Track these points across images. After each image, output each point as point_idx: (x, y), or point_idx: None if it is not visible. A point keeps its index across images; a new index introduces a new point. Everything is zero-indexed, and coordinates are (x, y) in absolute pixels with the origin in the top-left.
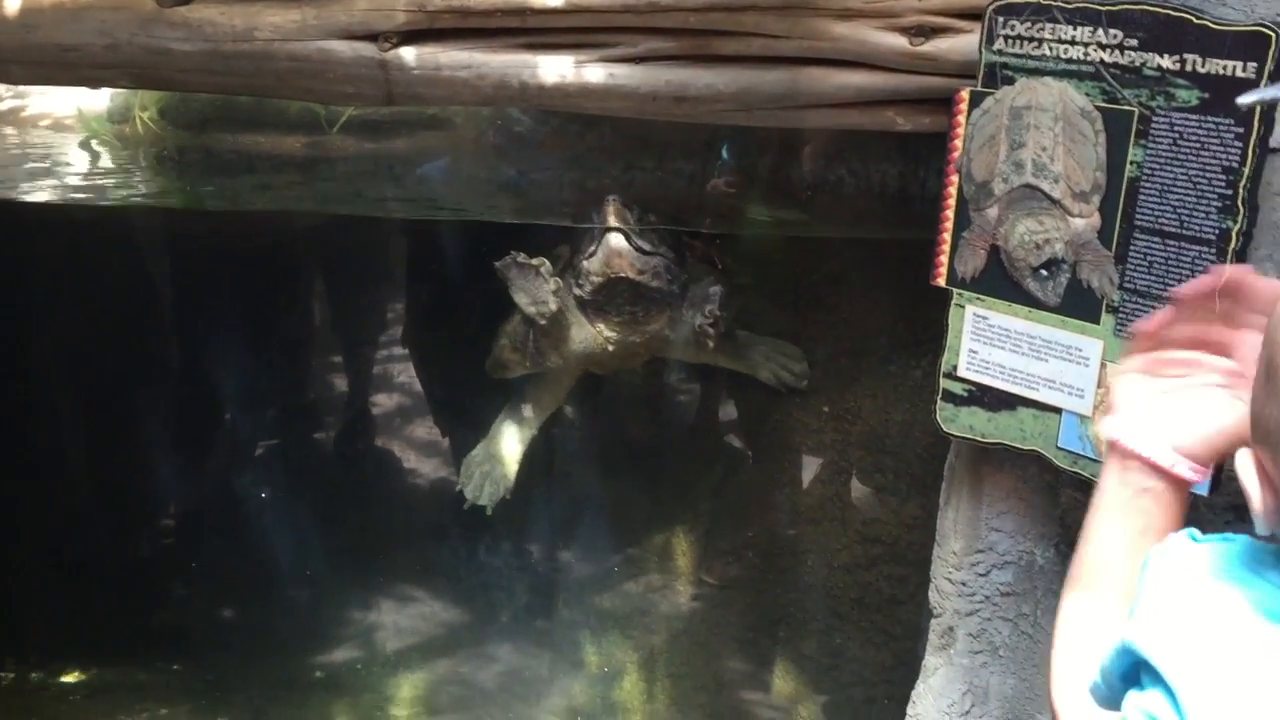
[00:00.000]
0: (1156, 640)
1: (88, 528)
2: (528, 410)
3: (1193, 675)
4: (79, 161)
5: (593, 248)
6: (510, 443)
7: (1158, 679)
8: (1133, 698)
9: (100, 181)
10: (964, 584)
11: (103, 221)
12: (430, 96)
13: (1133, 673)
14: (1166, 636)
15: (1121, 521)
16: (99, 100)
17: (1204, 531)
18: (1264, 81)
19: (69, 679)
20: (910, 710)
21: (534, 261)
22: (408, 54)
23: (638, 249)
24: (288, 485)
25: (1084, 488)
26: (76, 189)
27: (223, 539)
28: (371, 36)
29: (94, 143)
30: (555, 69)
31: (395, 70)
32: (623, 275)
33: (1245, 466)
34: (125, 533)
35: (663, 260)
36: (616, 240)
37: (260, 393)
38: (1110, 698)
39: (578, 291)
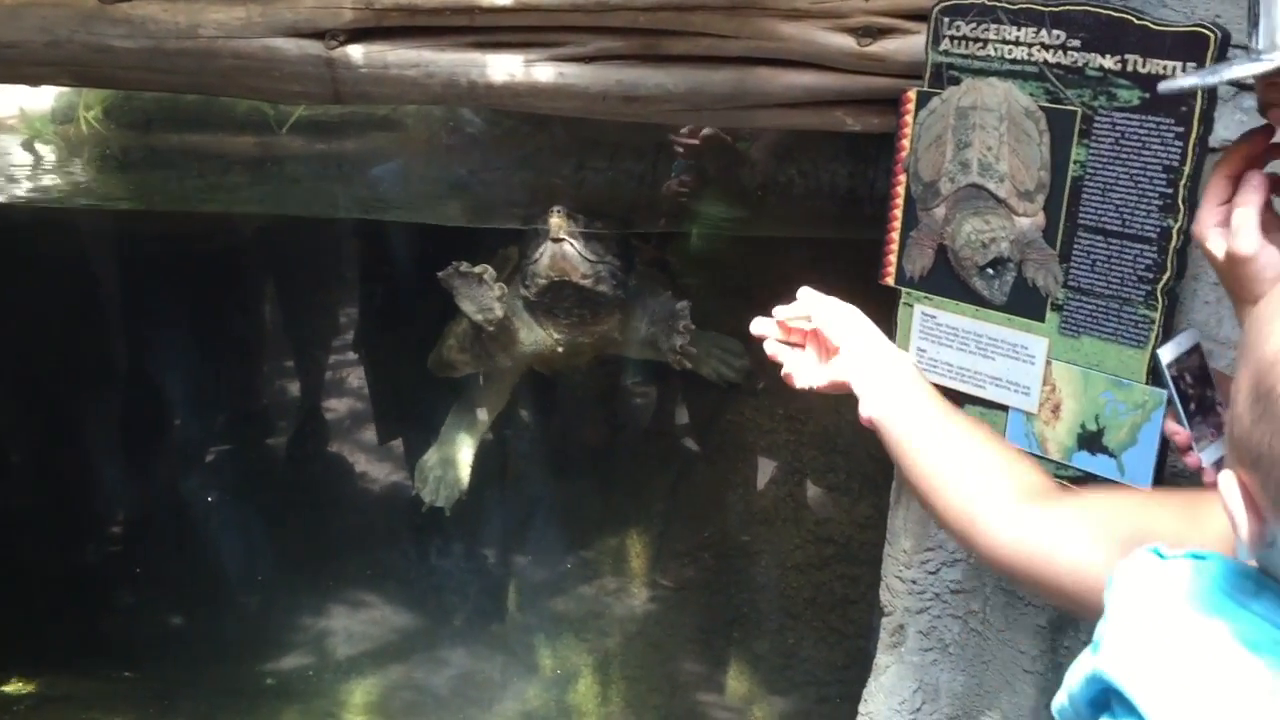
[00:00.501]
0: (1129, 670)
1: (32, 534)
2: (477, 411)
3: (1171, 710)
4: (22, 162)
5: (539, 253)
6: (462, 444)
7: (1132, 710)
8: None
9: (44, 182)
10: (914, 582)
11: (48, 223)
12: (378, 95)
13: (1102, 699)
14: (1140, 667)
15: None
16: (43, 100)
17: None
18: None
19: (12, 689)
20: (862, 708)
21: (477, 270)
22: (355, 52)
23: (582, 255)
24: (237, 489)
25: None
26: (20, 190)
27: (171, 544)
28: (318, 34)
29: (37, 143)
30: (504, 68)
31: (342, 68)
32: (568, 279)
33: (1230, 491)
34: (71, 539)
35: (608, 266)
36: (561, 246)
37: (209, 396)
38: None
39: (525, 294)
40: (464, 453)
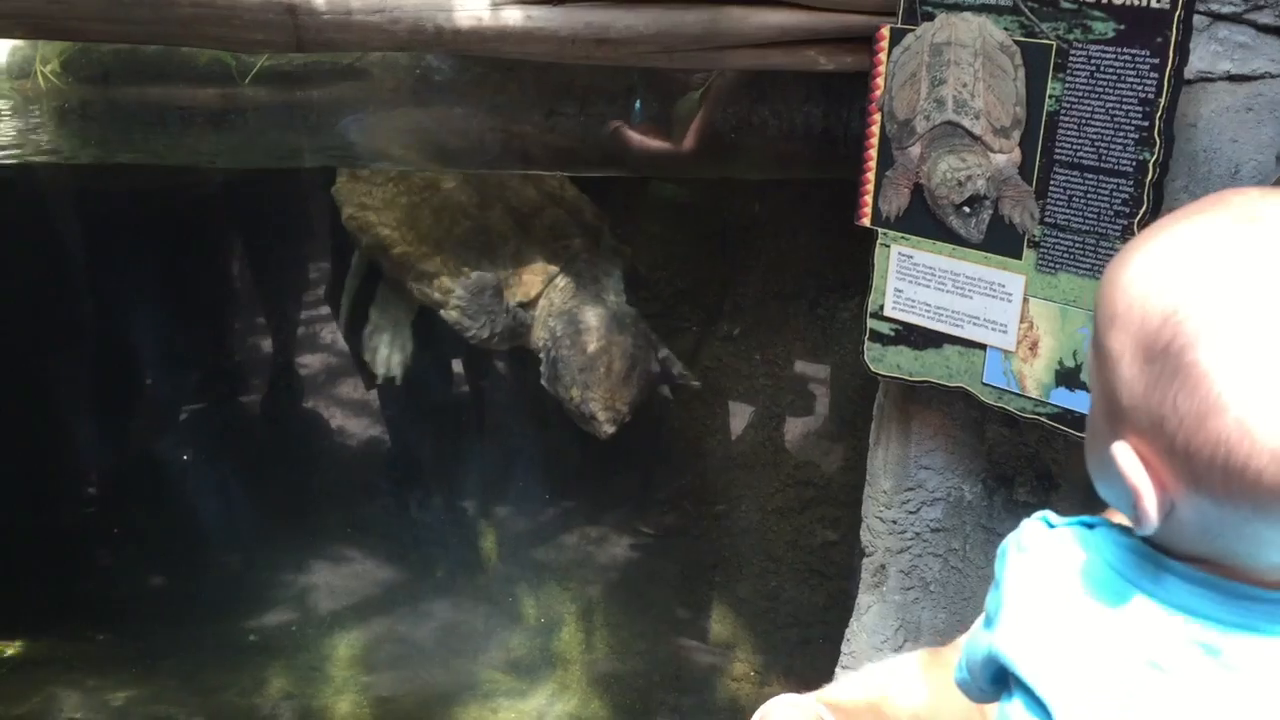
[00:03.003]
0: (1026, 655)
1: (7, 496)
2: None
3: (1072, 701)
4: None
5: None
6: (399, 314)
7: (1027, 691)
8: (1004, 708)
9: (2, 139)
10: (895, 522)
11: (8, 181)
12: (342, 42)
13: (1001, 676)
14: (1038, 653)
15: None
16: None
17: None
18: (1178, 14)
19: None
20: (845, 648)
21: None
22: None
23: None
24: (213, 448)
25: (1009, 423)
26: None
27: (148, 504)
28: None
29: None
30: (471, 12)
31: (305, 15)
32: None
33: (1129, 462)
34: (46, 501)
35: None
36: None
37: (180, 354)
38: (981, 696)
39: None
40: (403, 322)
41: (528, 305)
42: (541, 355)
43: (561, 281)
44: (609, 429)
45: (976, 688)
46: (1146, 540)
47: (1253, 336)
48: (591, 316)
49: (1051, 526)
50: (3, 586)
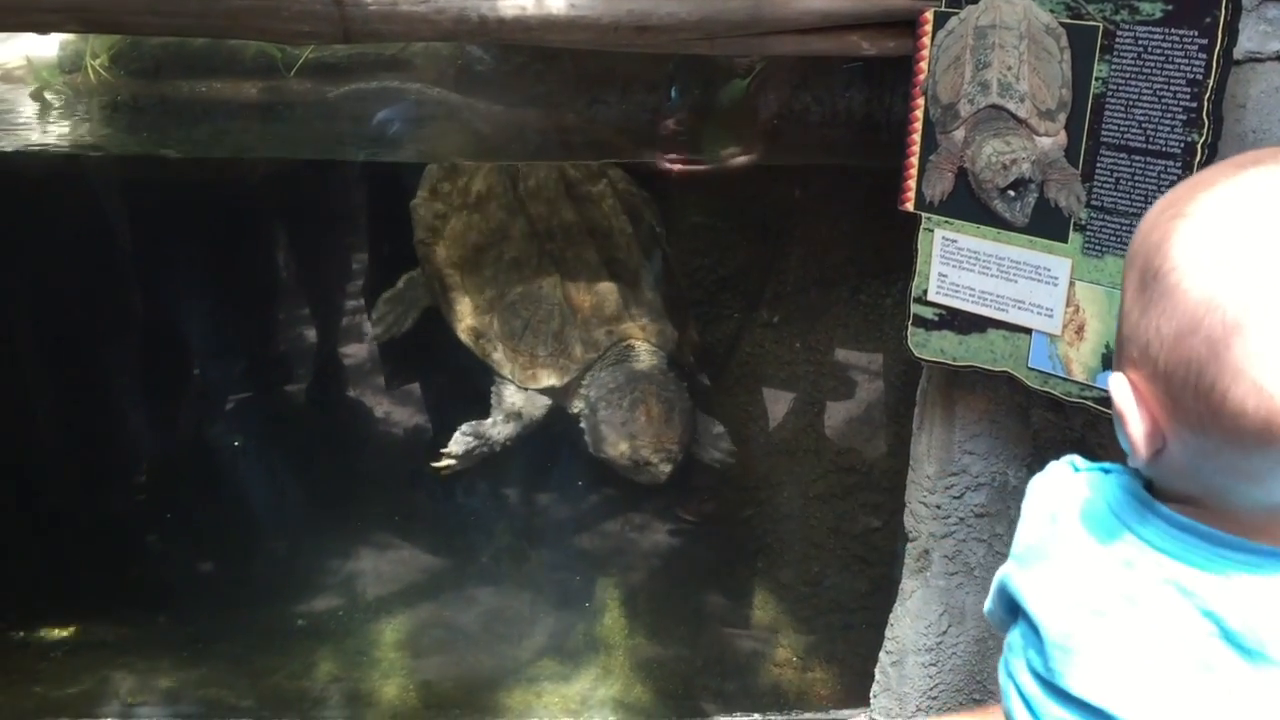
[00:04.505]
0: (1026, 583)
1: (61, 484)
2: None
3: (1060, 623)
4: (30, 111)
5: (632, 471)
6: (418, 294)
7: (1025, 616)
8: (1010, 635)
9: (55, 131)
10: (938, 507)
11: (62, 173)
12: (388, 33)
13: (1013, 605)
14: (1035, 580)
15: None
16: (48, 49)
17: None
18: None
19: (50, 636)
20: (889, 633)
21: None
22: None
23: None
24: (262, 435)
25: (1055, 408)
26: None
27: (198, 491)
28: None
29: (46, 93)
30: (515, 1)
31: (351, 7)
32: None
33: (1121, 391)
34: (100, 487)
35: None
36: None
37: (228, 342)
38: (1001, 625)
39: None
40: (417, 304)
41: (561, 390)
42: (583, 425)
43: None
44: (665, 469)
45: (998, 617)
46: (1148, 486)
47: (1226, 260)
48: (620, 375)
49: (1076, 470)
50: (58, 572)
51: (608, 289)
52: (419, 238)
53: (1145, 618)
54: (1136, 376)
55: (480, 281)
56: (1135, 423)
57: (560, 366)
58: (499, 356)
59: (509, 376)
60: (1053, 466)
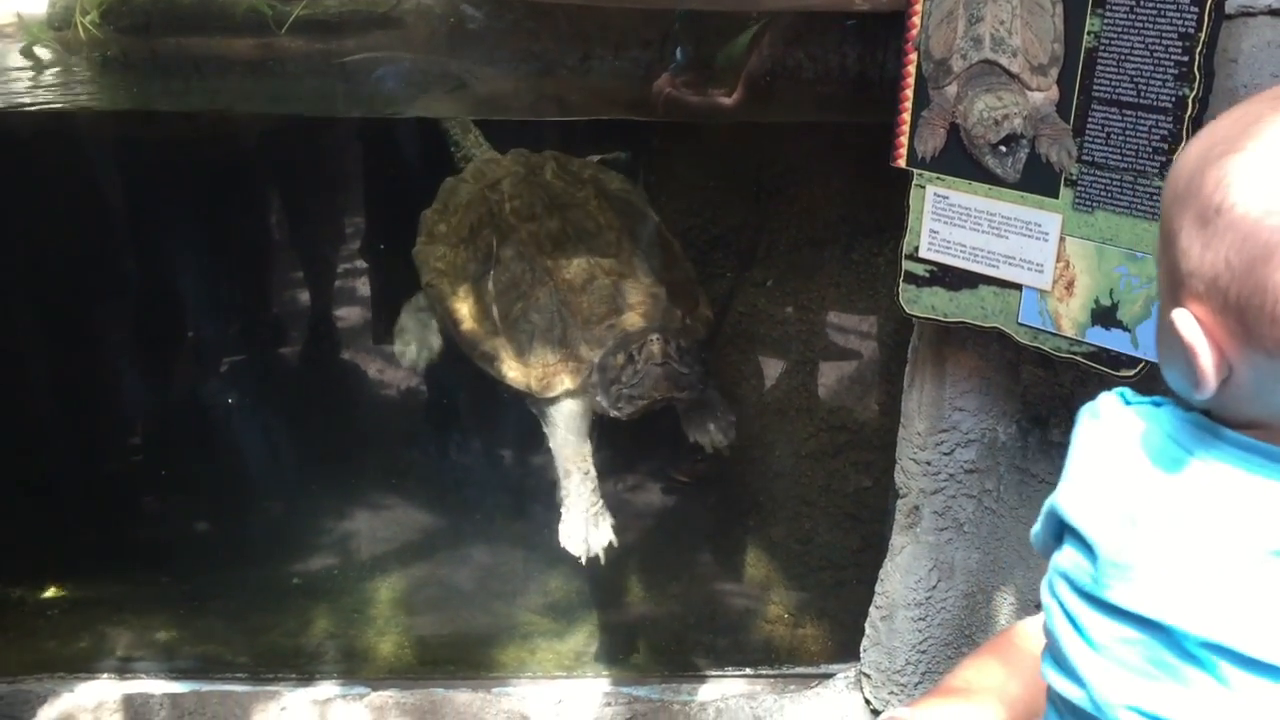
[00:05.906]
0: (1078, 502)
1: (56, 443)
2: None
3: (1116, 541)
4: (21, 67)
5: (636, 376)
6: (426, 319)
7: (1078, 537)
8: (1053, 559)
9: (47, 86)
10: (929, 463)
11: (53, 130)
12: None
13: (1058, 531)
14: (1088, 500)
15: None
16: (39, 6)
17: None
18: None
19: (46, 595)
20: (879, 589)
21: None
22: None
23: (682, 371)
24: (256, 395)
25: (1045, 364)
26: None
27: (193, 450)
28: None
29: (36, 49)
30: None
31: None
32: (668, 396)
33: (1187, 324)
34: (95, 447)
35: (697, 373)
36: (666, 368)
37: (221, 300)
38: (1045, 550)
39: (612, 411)
40: (429, 329)
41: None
42: (600, 400)
43: None
44: (659, 346)
45: (1042, 542)
46: (1205, 414)
47: None
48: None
49: (1127, 403)
50: (53, 530)
51: (601, 286)
52: (426, 280)
53: (1209, 533)
54: (1201, 310)
55: (484, 309)
56: (1205, 354)
57: (571, 369)
58: (515, 375)
59: (528, 390)
60: (1103, 397)
